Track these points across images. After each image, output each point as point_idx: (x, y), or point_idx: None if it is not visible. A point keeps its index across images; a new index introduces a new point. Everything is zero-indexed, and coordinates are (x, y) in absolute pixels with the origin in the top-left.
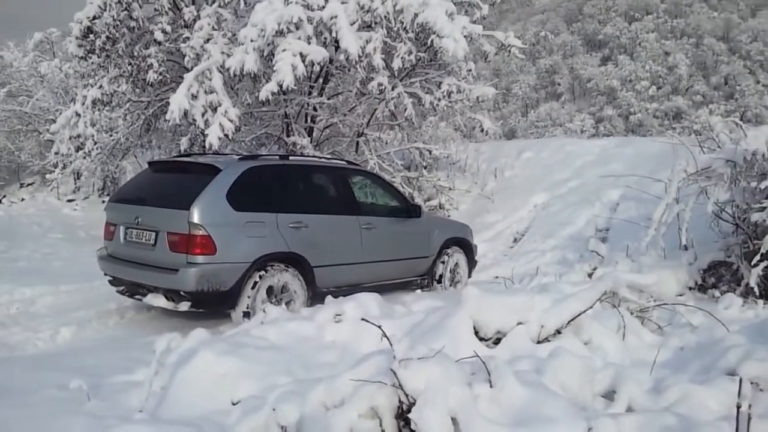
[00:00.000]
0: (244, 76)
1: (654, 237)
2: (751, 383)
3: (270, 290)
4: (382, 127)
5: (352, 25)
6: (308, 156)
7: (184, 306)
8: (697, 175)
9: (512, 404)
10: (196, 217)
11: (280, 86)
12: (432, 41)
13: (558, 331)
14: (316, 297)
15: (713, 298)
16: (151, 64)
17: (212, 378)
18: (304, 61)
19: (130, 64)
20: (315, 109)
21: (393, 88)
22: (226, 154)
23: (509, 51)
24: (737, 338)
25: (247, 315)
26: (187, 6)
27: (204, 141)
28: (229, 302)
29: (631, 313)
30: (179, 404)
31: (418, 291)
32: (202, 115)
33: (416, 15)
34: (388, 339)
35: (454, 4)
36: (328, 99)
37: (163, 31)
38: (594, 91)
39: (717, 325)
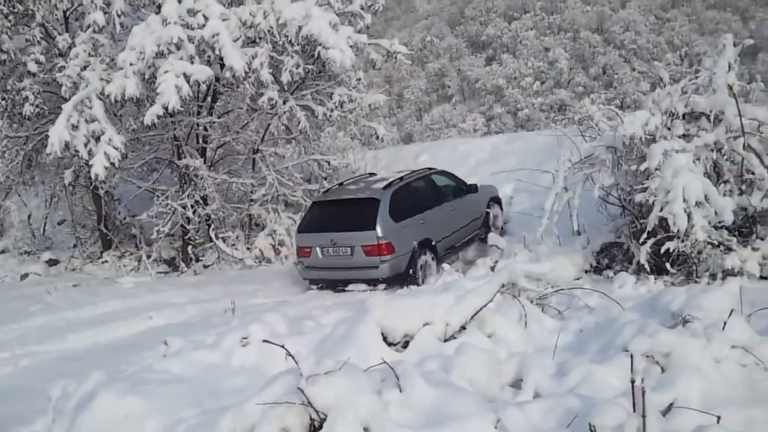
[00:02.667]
0: (126, 102)
1: (547, 226)
2: (647, 357)
3: (422, 265)
4: (278, 142)
5: (235, 41)
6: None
7: (381, 286)
8: (582, 163)
9: (423, 406)
10: (380, 233)
11: (166, 109)
12: (319, 53)
13: (463, 327)
14: (438, 260)
15: (608, 279)
16: (27, 97)
17: (115, 420)
18: (188, 82)
19: (3, 98)
20: (206, 129)
21: (284, 102)
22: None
23: (396, 58)
24: (631, 315)
25: (415, 282)
26: (60, 34)
27: (89, 172)
28: (404, 277)
29: (531, 302)
30: None
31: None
32: (85, 145)
33: (300, 28)
34: (293, 357)
35: (337, 15)
36: (219, 118)
37: (37, 62)
38: (482, 91)
39: (612, 305)
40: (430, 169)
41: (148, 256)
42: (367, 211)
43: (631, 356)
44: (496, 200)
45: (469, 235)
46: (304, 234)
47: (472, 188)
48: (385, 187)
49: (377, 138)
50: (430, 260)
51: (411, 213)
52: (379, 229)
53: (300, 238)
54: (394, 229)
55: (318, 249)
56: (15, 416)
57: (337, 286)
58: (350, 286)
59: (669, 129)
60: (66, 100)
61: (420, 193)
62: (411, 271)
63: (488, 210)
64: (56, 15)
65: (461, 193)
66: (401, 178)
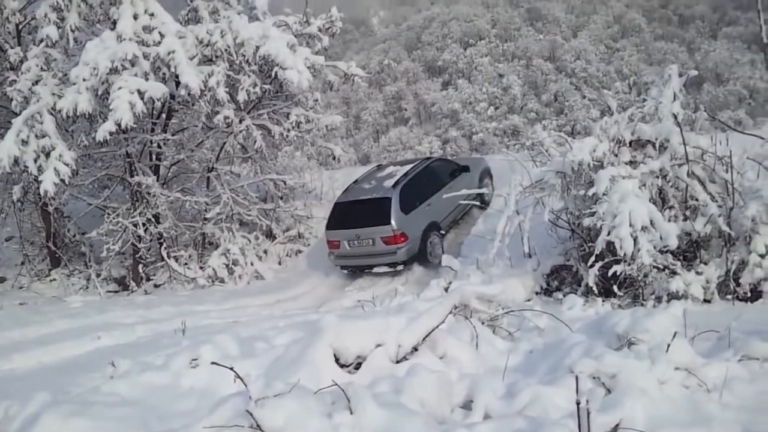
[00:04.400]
0: (78, 117)
1: (499, 248)
2: (593, 378)
3: (431, 242)
4: (234, 161)
5: (192, 59)
6: (401, 162)
7: (400, 267)
8: (532, 187)
9: (373, 428)
10: (395, 226)
11: (119, 125)
12: (276, 73)
13: (415, 349)
14: (442, 236)
15: (558, 300)
16: None
17: None
18: (142, 98)
19: None
20: (159, 147)
21: (240, 121)
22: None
23: (353, 80)
24: (579, 337)
25: (426, 261)
26: (12, 47)
27: (38, 188)
28: (417, 257)
29: (483, 323)
30: None
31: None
32: (35, 161)
33: (258, 48)
34: (242, 379)
35: (295, 36)
36: (173, 135)
37: None
38: (438, 114)
39: (561, 326)
40: (428, 158)
41: (98, 275)
42: (382, 208)
43: (576, 378)
44: (487, 172)
45: (467, 208)
46: (332, 230)
47: (466, 168)
48: (393, 185)
49: (334, 158)
50: (437, 239)
51: (418, 203)
52: (393, 222)
53: (329, 234)
54: (406, 220)
55: (345, 242)
56: None
57: (364, 269)
58: (375, 269)
59: (616, 155)
60: (16, 114)
61: (423, 184)
62: (423, 251)
63: (483, 180)
64: (8, 28)
65: (457, 174)
66: (406, 174)
